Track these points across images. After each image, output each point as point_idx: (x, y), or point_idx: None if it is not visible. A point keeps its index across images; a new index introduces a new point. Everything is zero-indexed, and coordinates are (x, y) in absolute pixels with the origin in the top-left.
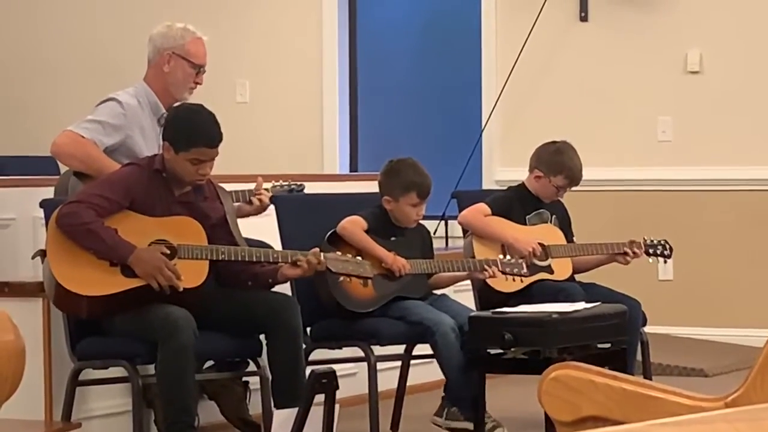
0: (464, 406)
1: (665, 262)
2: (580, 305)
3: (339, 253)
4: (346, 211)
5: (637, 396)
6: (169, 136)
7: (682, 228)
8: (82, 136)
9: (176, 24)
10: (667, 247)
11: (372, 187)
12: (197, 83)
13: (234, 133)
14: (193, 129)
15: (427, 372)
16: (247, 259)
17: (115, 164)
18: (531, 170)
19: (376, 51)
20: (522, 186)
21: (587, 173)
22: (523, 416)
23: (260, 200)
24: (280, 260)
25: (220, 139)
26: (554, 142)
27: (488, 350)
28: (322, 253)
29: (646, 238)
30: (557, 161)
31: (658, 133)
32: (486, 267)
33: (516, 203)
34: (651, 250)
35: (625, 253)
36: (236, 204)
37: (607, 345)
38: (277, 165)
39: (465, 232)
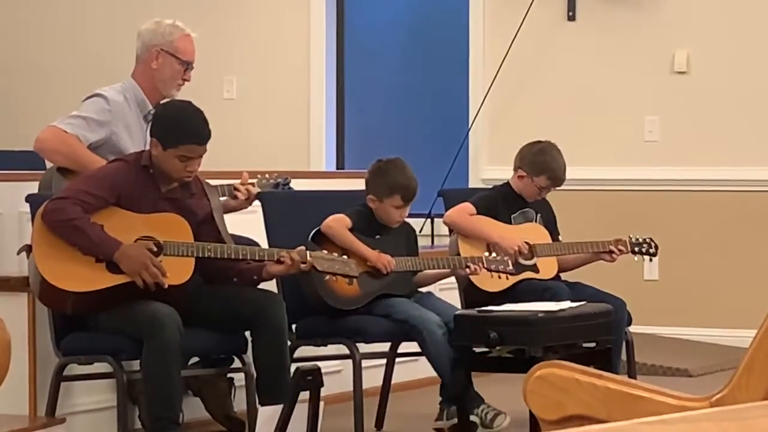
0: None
1: (650, 260)
2: (566, 304)
3: (325, 251)
4: (332, 209)
5: (621, 395)
6: (158, 132)
7: (668, 228)
8: (66, 132)
9: (165, 20)
10: (653, 245)
11: (358, 184)
12: (185, 80)
13: (221, 129)
14: (181, 125)
15: (412, 370)
16: (233, 256)
17: (99, 160)
18: (515, 170)
19: (363, 49)
20: (507, 185)
21: (574, 173)
22: (509, 415)
23: (247, 190)
24: (266, 258)
25: (209, 136)
26: (538, 142)
27: (473, 348)
28: (308, 252)
29: (631, 236)
30: (540, 161)
31: (645, 133)
32: (470, 265)
33: (501, 202)
34: (636, 248)
35: (611, 251)
36: (222, 198)
37: (593, 344)
38: (264, 162)
39: (451, 230)
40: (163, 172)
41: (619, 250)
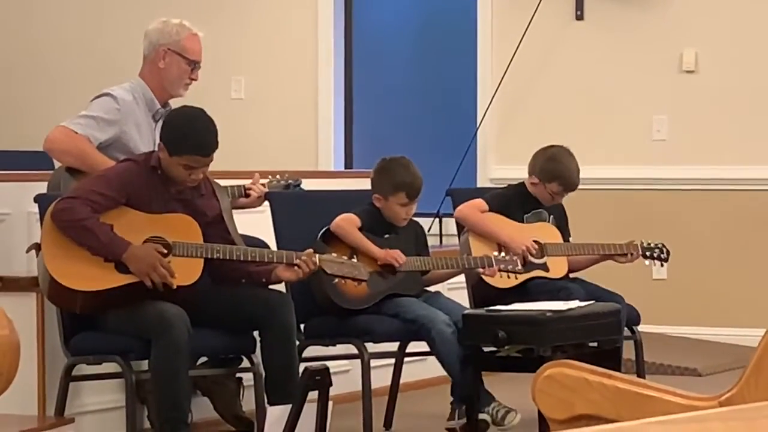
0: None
1: (662, 265)
2: (574, 303)
3: (334, 254)
4: (340, 208)
5: (630, 395)
6: (165, 137)
7: (677, 227)
8: (75, 132)
9: (172, 20)
10: (664, 250)
11: (367, 184)
12: (192, 79)
13: (229, 129)
14: (187, 135)
15: (420, 369)
16: (242, 258)
17: (108, 160)
18: (529, 175)
19: (371, 48)
20: (522, 185)
21: (583, 172)
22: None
23: (259, 189)
24: (275, 260)
25: (214, 149)
26: (550, 147)
27: (482, 348)
28: (316, 255)
29: (643, 240)
30: (551, 168)
31: (653, 132)
32: (481, 269)
33: (515, 201)
34: (648, 253)
35: (623, 254)
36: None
37: (601, 343)
38: (272, 162)
39: (460, 228)
40: (169, 176)
41: (631, 254)
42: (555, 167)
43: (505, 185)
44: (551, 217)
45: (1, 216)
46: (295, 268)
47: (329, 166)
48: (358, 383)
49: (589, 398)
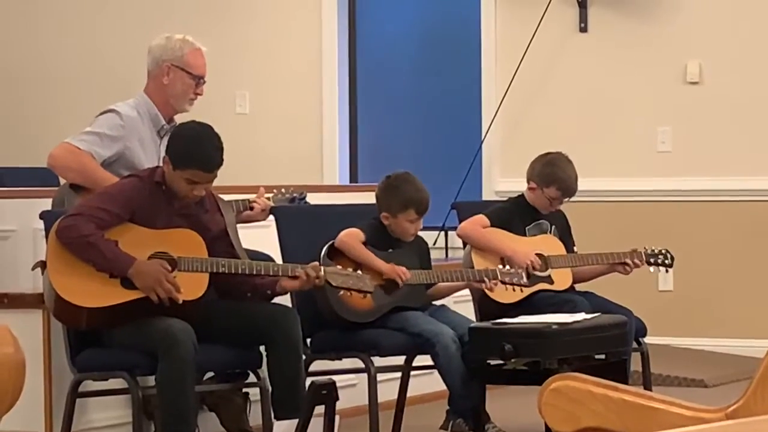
0: (469, 416)
1: (666, 271)
2: (580, 316)
3: (339, 267)
4: (346, 222)
5: (636, 407)
6: (171, 150)
7: (682, 238)
8: (79, 148)
9: (175, 35)
10: (669, 256)
11: (372, 198)
12: (198, 94)
13: (233, 144)
14: (192, 149)
15: (427, 383)
16: (247, 271)
17: (111, 177)
18: (527, 181)
19: (375, 62)
20: (521, 197)
21: (587, 184)
22: (523, 427)
23: (263, 202)
24: (280, 273)
25: (218, 165)
26: (548, 154)
27: (488, 361)
28: (321, 267)
29: (647, 247)
30: (549, 173)
31: (657, 143)
32: (485, 279)
33: (515, 214)
34: (652, 260)
35: (626, 263)
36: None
37: (603, 356)
38: (277, 176)
39: (465, 242)
40: (172, 190)
41: (635, 264)
42: (553, 172)
43: (506, 199)
44: (553, 227)
45: (7, 233)
46: (299, 275)
47: (334, 180)
48: (364, 397)
49: (595, 410)
